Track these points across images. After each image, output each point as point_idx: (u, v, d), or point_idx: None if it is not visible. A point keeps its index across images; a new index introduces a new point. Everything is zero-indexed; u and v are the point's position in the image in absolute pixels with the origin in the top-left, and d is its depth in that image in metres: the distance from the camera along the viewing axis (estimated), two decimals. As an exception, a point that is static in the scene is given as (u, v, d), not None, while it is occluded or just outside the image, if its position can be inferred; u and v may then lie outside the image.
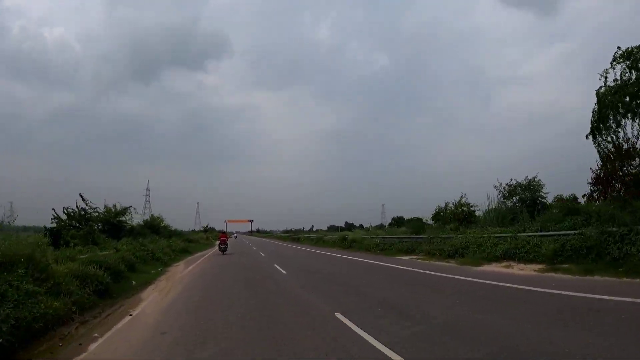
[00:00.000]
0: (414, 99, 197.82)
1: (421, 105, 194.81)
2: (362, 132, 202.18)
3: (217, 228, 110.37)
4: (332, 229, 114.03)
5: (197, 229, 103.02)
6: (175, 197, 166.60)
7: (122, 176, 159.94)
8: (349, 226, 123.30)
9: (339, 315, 6.50)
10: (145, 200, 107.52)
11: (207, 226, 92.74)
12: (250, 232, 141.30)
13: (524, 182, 18.85)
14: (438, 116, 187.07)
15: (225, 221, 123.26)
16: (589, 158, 14.83)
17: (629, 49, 13.23)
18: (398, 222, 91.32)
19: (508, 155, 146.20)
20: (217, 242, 27.70)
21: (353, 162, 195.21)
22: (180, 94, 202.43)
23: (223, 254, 24.81)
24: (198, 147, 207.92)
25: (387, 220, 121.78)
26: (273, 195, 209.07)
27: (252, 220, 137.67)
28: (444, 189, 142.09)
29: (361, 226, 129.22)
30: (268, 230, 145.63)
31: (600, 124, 14.05)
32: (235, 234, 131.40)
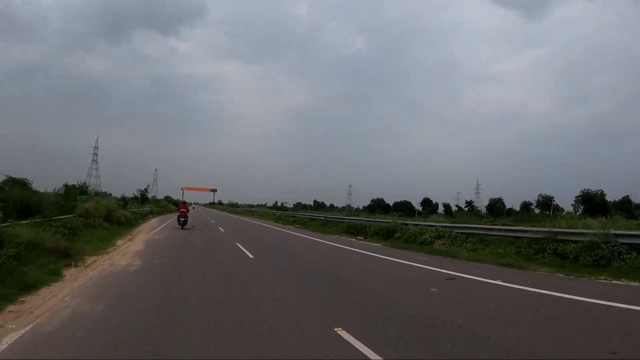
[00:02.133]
0: (386, 86, 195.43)
1: (393, 93, 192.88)
2: (332, 114, 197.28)
3: (175, 198, 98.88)
4: (299, 207, 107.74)
5: (156, 197, 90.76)
6: (133, 164, 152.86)
7: (81, 137, 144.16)
8: (318, 206, 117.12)
9: None
10: (93, 160, 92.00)
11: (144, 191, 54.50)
12: (212, 204, 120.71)
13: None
14: (409, 105, 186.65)
15: (182, 189, 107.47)
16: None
17: None
18: (378, 204, 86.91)
19: (472, 150, 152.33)
20: (177, 215, 22.41)
21: (321, 142, 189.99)
22: (150, 58, 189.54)
23: (182, 228, 20.38)
24: (162, 114, 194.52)
25: (354, 202, 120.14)
26: (237, 170, 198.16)
27: (216, 190, 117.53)
28: (408, 175, 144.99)
29: (332, 206, 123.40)
30: (235, 202, 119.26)
31: None
32: (193, 205, 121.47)
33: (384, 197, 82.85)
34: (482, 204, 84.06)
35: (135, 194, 46.10)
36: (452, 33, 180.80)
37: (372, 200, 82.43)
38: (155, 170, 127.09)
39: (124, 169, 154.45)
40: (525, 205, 65.68)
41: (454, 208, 70.77)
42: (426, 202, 73.64)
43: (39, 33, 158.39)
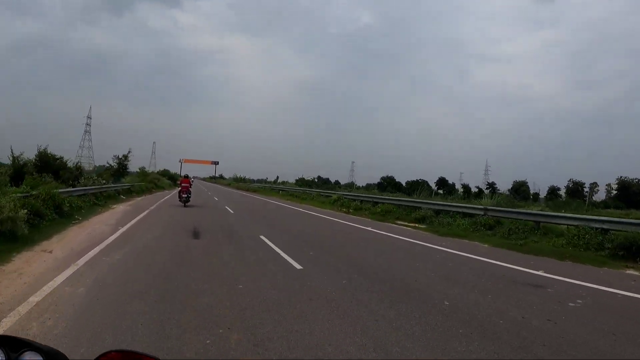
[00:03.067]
0: (392, 61, 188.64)
1: (399, 69, 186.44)
2: (337, 88, 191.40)
3: (173, 172, 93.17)
4: (301, 182, 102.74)
5: (153, 169, 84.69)
6: (134, 137, 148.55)
7: (81, 110, 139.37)
8: (323, 181, 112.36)
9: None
10: (85, 131, 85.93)
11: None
12: (214, 179, 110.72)
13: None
14: (414, 81, 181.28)
15: (180, 160, 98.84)
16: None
17: None
18: (389, 182, 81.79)
19: (475, 129, 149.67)
20: (178, 190, 19.18)
21: (325, 116, 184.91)
22: (153, 30, 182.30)
23: (184, 206, 17.41)
24: (164, 86, 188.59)
25: (357, 179, 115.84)
26: (239, 144, 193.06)
27: (217, 163, 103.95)
28: (413, 151, 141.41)
29: (337, 182, 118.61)
30: (243, 177, 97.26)
31: None
32: (192, 179, 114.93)
33: (389, 174, 77.68)
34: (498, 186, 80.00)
35: (111, 163, 33.32)
36: (460, 10, 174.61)
37: (381, 178, 77.26)
38: (154, 143, 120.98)
39: (124, 143, 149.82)
40: (553, 191, 60.95)
41: (473, 189, 66.29)
42: (442, 182, 68.62)
43: (42, 6, 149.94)
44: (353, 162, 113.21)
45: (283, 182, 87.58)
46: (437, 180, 68.64)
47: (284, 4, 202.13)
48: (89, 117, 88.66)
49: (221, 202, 22.37)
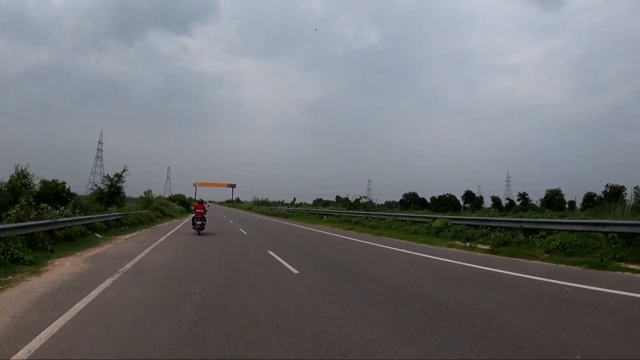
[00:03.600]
0: (400, 77, 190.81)
1: (407, 85, 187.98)
2: (347, 107, 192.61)
3: (188, 196, 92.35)
4: (319, 203, 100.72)
5: (167, 195, 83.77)
6: (146, 163, 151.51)
7: (93, 137, 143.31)
8: (343, 202, 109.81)
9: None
10: (96, 157, 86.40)
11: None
12: (231, 203, 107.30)
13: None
14: (423, 96, 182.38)
15: (195, 184, 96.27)
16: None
17: None
18: (412, 198, 78.95)
19: (485, 142, 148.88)
20: (192, 216, 18.03)
21: (336, 135, 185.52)
22: (163, 56, 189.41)
23: (198, 234, 16.16)
24: (175, 112, 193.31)
25: (374, 197, 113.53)
26: (253, 167, 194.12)
27: (234, 186, 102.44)
28: (427, 166, 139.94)
29: (358, 202, 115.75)
30: (265, 199, 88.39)
31: None
32: (207, 204, 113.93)
33: (416, 191, 74.96)
34: (513, 196, 76.24)
35: (99, 184, 26.31)
36: (465, 23, 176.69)
37: (404, 195, 74.72)
38: (168, 168, 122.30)
39: (138, 169, 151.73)
40: (589, 197, 57.13)
41: (504, 202, 62.88)
42: (469, 196, 65.62)
43: (53, 34, 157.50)
44: (370, 180, 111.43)
45: (300, 204, 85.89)
46: (464, 194, 65.65)
47: (289, 23, 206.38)
48: (100, 142, 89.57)
49: (253, 235, 16.42)
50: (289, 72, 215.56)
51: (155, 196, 41.92)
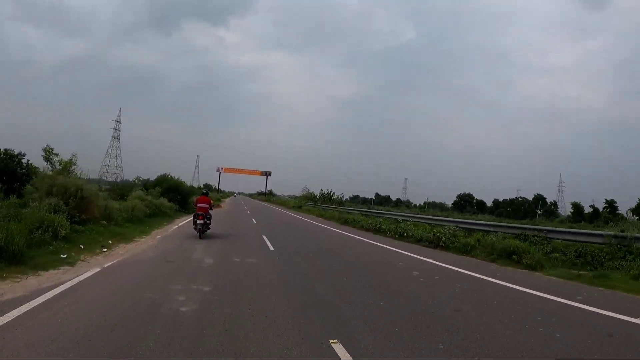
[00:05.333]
0: (435, 76, 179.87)
1: (442, 83, 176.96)
2: (384, 104, 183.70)
3: (214, 185, 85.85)
4: (356, 200, 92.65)
5: (195, 184, 77.62)
6: (177, 153, 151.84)
7: (127, 128, 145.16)
8: (381, 200, 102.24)
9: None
10: (113, 137, 78.85)
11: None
12: (264, 195, 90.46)
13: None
14: (458, 95, 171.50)
15: (219, 170, 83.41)
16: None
17: None
18: (466, 200, 69.00)
19: (519, 144, 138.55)
20: (192, 215, 12.53)
21: (370, 132, 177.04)
22: (199, 48, 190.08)
23: (200, 237, 11.51)
24: (208, 103, 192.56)
25: (408, 196, 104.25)
26: (285, 162, 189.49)
27: (269, 174, 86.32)
28: (461, 167, 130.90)
29: (398, 201, 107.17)
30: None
31: None
32: (236, 194, 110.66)
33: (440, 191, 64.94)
34: (565, 205, 63.64)
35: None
36: (505, 20, 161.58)
37: (458, 196, 65.01)
38: (197, 157, 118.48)
39: (166, 159, 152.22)
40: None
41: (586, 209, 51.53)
42: (538, 201, 54.80)
43: (89, 25, 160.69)
44: (406, 179, 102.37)
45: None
46: (534, 198, 54.93)
47: (325, 17, 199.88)
48: (117, 122, 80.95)
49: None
50: (323, 68, 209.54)
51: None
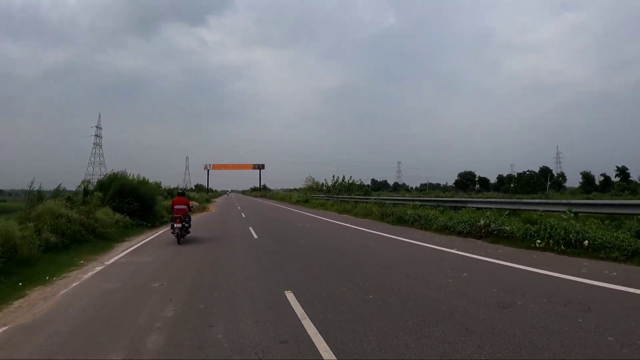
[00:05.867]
0: (420, 61, 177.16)
1: (427, 68, 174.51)
2: (367, 92, 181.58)
3: (212, 187, 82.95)
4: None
5: (187, 187, 74.12)
6: (166, 156, 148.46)
7: (114, 134, 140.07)
8: (379, 185, 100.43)
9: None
10: (95, 144, 76.09)
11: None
12: (258, 191, 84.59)
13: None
14: (444, 79, 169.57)
15: (207, 167, 79.43)
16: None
17: None
18: (468, 178, 66.74)
19: (508, 122, 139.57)
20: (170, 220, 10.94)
21: (358, 121, 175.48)
22: (180, 50, 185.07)
23: (178, 243, 10.37)
24: (195, 105, 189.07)
25: (403, 180, 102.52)
26: (276, 156, 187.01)
27: (262, 167, 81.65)
28: (448, 148, 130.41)
29: (396, 185, 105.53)
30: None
31: None
32: (229, 192, 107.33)
33: (473, 170, 62.63)
34: (569, 175, 61.50)
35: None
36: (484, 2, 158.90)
37: (459, 175, 62.47)
38: (187, 157, 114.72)
39: (154, 162, 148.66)
40: None
41: (597, 180, 49.53)
42: (546, 173, 52.59)
43: (69, 34, 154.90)
44: (399, 163, 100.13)
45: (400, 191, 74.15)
46: (540, 171, 52.51)
47: (305, 11, 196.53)
48: (98, 127, 77.40)
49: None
50: (308, 60, 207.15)
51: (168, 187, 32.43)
